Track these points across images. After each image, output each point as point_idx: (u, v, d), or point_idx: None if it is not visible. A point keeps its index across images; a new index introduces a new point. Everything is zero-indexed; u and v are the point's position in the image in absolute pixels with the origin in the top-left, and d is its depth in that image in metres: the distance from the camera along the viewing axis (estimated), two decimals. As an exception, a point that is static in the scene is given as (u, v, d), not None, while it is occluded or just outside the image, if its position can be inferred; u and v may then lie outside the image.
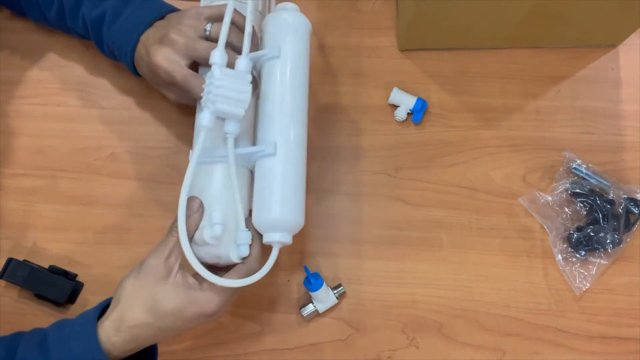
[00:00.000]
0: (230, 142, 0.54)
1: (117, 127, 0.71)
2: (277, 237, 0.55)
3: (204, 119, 0.52)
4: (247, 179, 0.59)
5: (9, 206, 0.69)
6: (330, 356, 0.64)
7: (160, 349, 0.64)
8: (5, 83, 0.73)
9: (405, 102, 0.70)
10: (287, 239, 0.56)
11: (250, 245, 0.56)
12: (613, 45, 0.73)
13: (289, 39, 0.60)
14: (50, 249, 0.67)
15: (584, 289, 0.64)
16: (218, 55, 0.54)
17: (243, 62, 0.55)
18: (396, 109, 0.70)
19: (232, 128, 0.54)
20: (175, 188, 0.69)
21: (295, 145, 0.58)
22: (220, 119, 0.54)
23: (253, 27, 0.58)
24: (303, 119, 0.59)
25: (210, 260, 0.56)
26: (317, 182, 0.69)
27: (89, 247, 0.67)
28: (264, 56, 0.60)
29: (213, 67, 0.54)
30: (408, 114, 0.70)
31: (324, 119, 0.71)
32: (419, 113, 0.70)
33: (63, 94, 0.73)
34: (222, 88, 0.52)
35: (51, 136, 0.71)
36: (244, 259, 0.56)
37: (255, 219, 0.56)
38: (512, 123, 0.70)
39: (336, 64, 0.73)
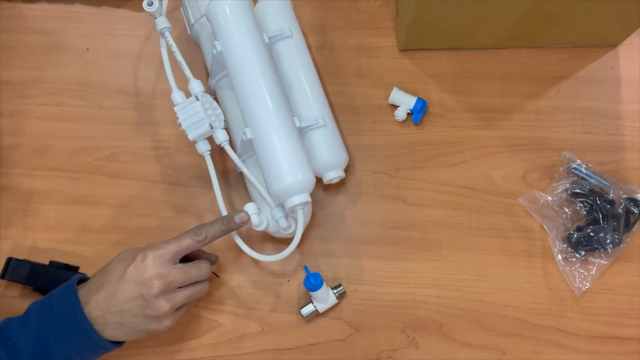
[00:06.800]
0: (227, 148, 0.60)
1: (117, 127, 0.71)
2: (297, 200, 0.58)
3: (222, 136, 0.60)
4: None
5: (9, 206, 0.69)
6: (330, 356, 0.64)
7: (158, 349, 0.64)
8: (5, 83, 0.73)
9: (405, 102, 0.70)
10: (307, 198, 0.58)
11: (286, 218, 0.61)
12: (613, 45, 0.73)
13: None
14: (50, 249, 0.67)
15: (584, 289, 0.64)
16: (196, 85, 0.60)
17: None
18: (396, 109, 0.70)
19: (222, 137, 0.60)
20: (175, 188, 0.69)
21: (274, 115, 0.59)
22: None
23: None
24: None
25: (276, 235, 0.64)
26: (317, 182, 0.69)
27: (89, 247, 0.67)
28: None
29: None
30: (408, 114, 0.70)
31: (324, 119, 0.71)
32: (419, 113, 0.70)
33: (63, 94, 0.73)
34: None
35: (51, 136, 0.71)
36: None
37: (270, 191, 0.59)
38: (512, 123, 0.70)
39: (336, 64, 0.73)
